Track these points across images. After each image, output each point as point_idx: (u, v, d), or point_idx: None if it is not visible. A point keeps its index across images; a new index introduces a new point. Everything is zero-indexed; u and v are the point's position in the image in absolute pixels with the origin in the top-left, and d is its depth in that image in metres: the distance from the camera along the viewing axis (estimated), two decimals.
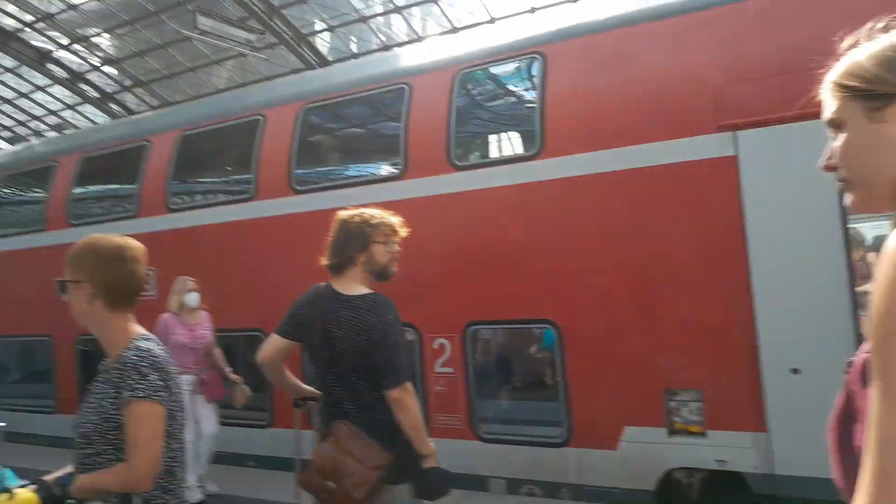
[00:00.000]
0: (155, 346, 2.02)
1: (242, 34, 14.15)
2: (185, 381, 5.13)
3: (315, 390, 2.84)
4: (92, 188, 7.95)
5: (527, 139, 5.33)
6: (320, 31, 16.68)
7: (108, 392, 1.95)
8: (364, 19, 15.58)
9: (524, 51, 5.31)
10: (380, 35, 17.12)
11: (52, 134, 20.00)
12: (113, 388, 1.94)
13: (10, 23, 17.28)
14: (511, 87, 5.80)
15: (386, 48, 15.51)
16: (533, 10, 12.09)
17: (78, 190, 7.67)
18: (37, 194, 8.28)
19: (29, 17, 17.02)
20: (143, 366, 1.93)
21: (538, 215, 4.97)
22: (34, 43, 17.92)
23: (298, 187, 5.97)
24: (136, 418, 1.89)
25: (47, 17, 16.77)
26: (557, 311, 4.85)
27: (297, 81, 7.88)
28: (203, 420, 5.43)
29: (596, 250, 4.77)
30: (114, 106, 19.40)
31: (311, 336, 2.69)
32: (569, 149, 4.84)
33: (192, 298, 5.48)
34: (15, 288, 7.91)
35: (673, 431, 4.54)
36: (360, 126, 6.73)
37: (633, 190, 4.61)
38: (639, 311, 4.63)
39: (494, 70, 5.65)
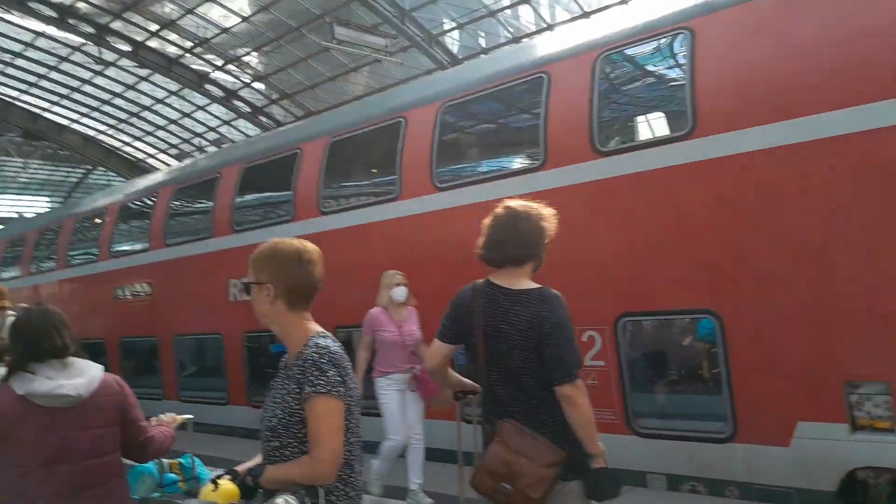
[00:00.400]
0: (332, 343, 2.10)
1: (377, 40, 14.64)
2: (396, 378, 5.11)
3: (475, 384, 2.82)
4: (252, 196, 8.57)
5: (676, 119, 5.06)
6: (450, 30, 16.88)
7: (291, 388, 2.04)
8: (493, 13, 15.58)
9: (670, 28, 5.04)
10: (508, 28, 17.06)
11: (212, 148, 21.82)
12: (295, 384, 2.02)
13: (172, 50, 19.05)
14: (656, 67, 5.53)
15: (515, 40, 15.42)
16: None
17: (240, 198, 8.29)
18: (203, 204, 9.05)
19: (188, 43, 18.65)
20: (323, 362, 2.01)
21: (692, 198, 4.70)
22: (193, 67, 19.64)
23: (440, 184, 6.06)
24: (317, 413, 1.97)
25: (203, 42, 18.29)
26: (719, 301, 4.56)
27: (433, 82, 8.02)
28: (412, 417, 5.15)
29: (762, 233, 4.43)
30: (263, 118, 20.84)
31: (472, 334, 2.61)
32: (727, 126, 4.53)
33: (400, 293, 5.15)
34: (189, 291, 8.71)
35: (856, 427, 4.13)
36: (500, 119, 6.72)
37: (806, 164, 4.23)
38: (813, 297, 4.25)
39: (636, 50, 5.41)
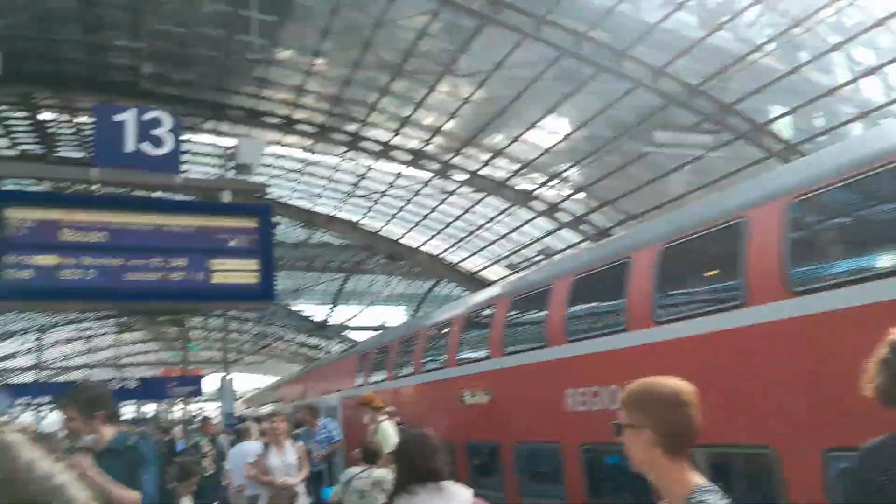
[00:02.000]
0: (720, 500, 1.91)
1: (698, 138, 14.29)
2: None
3: None
4: (583, 306, 8.72)
5: None
6: (779, 117, 15.70)
7: None
8: (830, 92, 14.11)
9: None
10: (851, 104, 15.23)
11: (538, 258, 23.11)
12: None
13: (500, 174, 21.10)
14: None
15: (862, 115, 13.65)
16: None
17: (572, 308, 8.50)
18: (537, 315, 9.48)
19: (515, 166, 20.49)
20: None
21: None
22: (518, 187, 21.41)
23: (796, 289, 5.43)
24: None
25: (528, 164, 19.91)
26: None
27: (777, 176, 7.40)
28: None
29: None
30: (584, 227, 21.53)
31: None
32: None
33: None
34: (526, 399, 9.04)
35: None
36: (866, 211, 5.86)
37: None
38: None
39: None
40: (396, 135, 20.04)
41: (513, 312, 10.13)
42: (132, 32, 15.63)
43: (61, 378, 36.56)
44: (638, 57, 14.64)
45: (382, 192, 23.75)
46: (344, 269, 29.79)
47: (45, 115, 19.41)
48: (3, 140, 20.14)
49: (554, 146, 18.78)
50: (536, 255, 23.40)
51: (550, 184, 20.70)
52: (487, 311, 10.73)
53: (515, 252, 25.06)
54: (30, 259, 4.40)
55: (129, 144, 4.94)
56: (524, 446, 9.51)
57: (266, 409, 27.04)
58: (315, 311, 33.21)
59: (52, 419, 30.66)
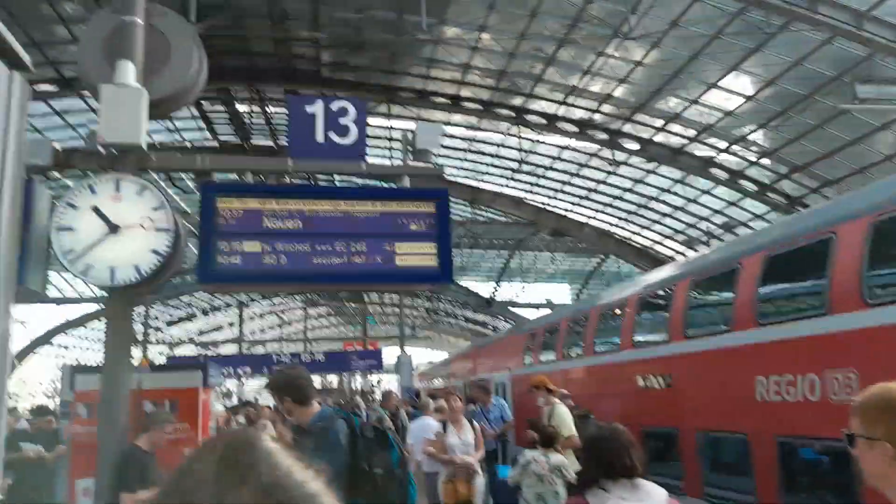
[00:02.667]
0: None
1: None
2: None
3: None
4: (777, 287, 7.98)
5: None
6: None
7: None
8: None
9: None
10: None
11: (719, 231, 21.60)
12: None
13: (675, 140, 19.86)
14: None
15: None
16: None
17: (763, 289, 7.80)
18: (723, 296, 8.83)
19: (692, 132, 19.19)
20: None
21: None
22: (697, 153, 20.04)
23: None
24: None
25: (707, 128, 18.55)
26: None
27: None
28: None
29: None
30: (772, 195, 19.72)
31: None
32: None
33: None
34: (710, 385, 8.49)
35: None
36: None
37: None
38: None
39: None
40: (563, 105, 19.57)
41: (695, 293, 9.53)
42: (313, 22, 16.61)
43: (259, 350, 40.63)
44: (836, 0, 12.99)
45: (548, 166, 23.41)
46: (509, 245, 29.92)
47: (240, 107, 21.34)
48: (204, 132, 22.47)
49: (737, 109, 17.30)
50: (718, 229, 21.88)
51: (733, 149, 19.16)
52: (666, 291, 10.19)
53: (693, 226, 23.62)
54: (238, 246, 4.81)
55: (320, 135, 5.22)
56: (706, 436, 8.97)
57: (439, 384, 28.13)
58: (481, 287, 33.86)
59: (252, 387, 34.24)
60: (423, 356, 54.12)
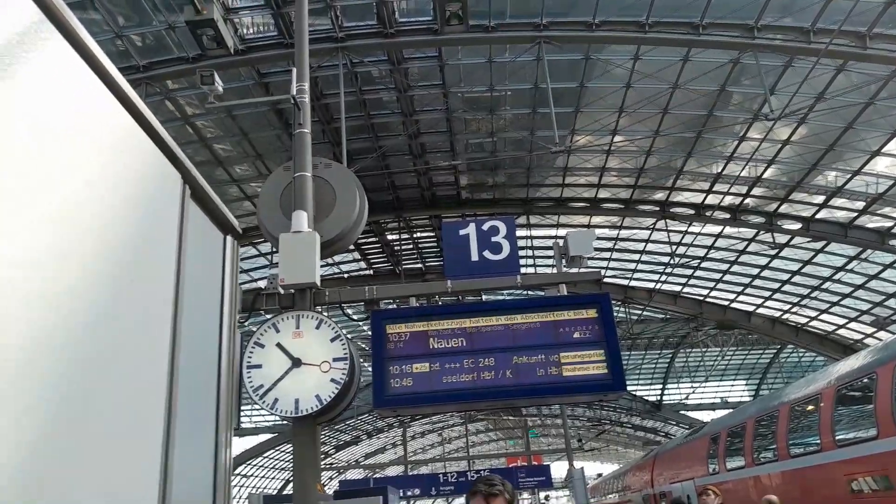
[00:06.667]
0: None
1: None
2: None
3: None
4: None
5: None
6: None
7: None
8: None
9: None
10: None
11: None
12: None
13: (841, 215, 18.36)
14: None
15: None
16: None
17: None
18: None
19: (859, 204, 17.69)
20: None
21: None
22: (870, 226, 18.34)
23: None
24: None
25: (877, 198, 17.04)
26: None
27: None
28: None
29: None
30: None
31: None
32: None
33: None
34: None
35: None
36: None
37: None
38: None
39: None
40: (709, 194, 18.92)
41: None
42: (450, 152, 17.70)
43: (422, 470, 40.53)
44: None
45: (702, 256, 22.37)
46: (670, 343, 28.32)
47: (390, 237, 22.76)
48: (360, 263, 24.05)
49: None
50: None
51: None
52: (868, 380, 9.07)
53: (880, 304, 21.19)
54: (409, 368, 4.97)
55: (474, 254, 5.41)
56: None
57: (613, 500, 26.27)
58: (645, 391, 31.95)
59: None
60: (591, 469, 51.12)
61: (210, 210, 2.26)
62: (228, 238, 2.48)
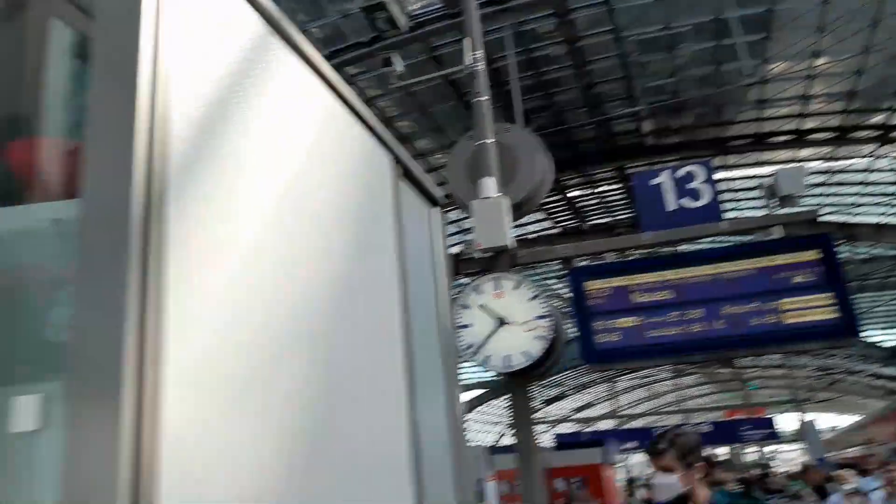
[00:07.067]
0: None
1: None
2: None
3: None
4: None
5: None
6: None
7: None
8: None
9: None
10: None
11: None
12: None
13: None
14: None
15: None
16: None
17: None
18: None
19: None
20: None
21: None
22: None
23: None
24: None
25: None
26: None
27: None
28: None
29: None
30: None
31: None
32: None
33: None
34: None
35: None
36: None
37: None
38: None
39: None
40: None
41: None
42: (628, 98, 16.89)
43: (633, 424, 39.92)
44: None
45: None
46: None
47: (573, 193, 22.37)
48: (544, 223, 23.96)
49: None
50: None
51: None
52: None
53: None
54: (614, 323, 4.94)
55: (670, 203, 5.19)
56: None
57: (854, 453, 23.98)
58: (881, 337, 28.42)
59: (635, 463, 33.50)
60: (825, 421, 46.94)
61: (418, 185, 2.40)
62: (435, 210, 2.62)
